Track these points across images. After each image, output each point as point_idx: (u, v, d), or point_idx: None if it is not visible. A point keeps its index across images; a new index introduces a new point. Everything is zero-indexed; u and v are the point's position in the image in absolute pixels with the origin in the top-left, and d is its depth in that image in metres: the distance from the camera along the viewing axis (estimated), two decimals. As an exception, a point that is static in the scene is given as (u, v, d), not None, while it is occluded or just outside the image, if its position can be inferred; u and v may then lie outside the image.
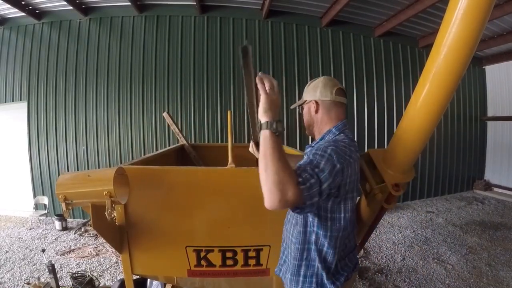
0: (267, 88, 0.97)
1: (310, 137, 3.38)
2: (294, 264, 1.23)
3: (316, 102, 1.29)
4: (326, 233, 1.16)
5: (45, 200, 5.56)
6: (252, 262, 1.68)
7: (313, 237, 1.18)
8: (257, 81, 0.98)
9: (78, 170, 5.68)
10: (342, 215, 1.15)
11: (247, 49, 0.91)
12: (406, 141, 1.37)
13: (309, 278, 1.21)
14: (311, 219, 1.17)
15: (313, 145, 1.30)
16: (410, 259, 3.86)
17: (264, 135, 0.93)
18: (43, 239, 4.65)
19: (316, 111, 1.30)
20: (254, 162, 1.23)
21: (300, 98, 1.41)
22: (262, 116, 0.96)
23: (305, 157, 1.07)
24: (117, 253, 2.07)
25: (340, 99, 1.29)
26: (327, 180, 0.97)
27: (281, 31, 5.97)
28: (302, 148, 3.64)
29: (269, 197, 0.88)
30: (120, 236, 1.62)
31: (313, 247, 1.19)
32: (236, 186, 1.62)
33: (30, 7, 5.42)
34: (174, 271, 1.72)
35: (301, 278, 1.22)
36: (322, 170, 0.97)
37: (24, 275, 3.45)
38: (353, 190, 1.16)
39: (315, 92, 1.30)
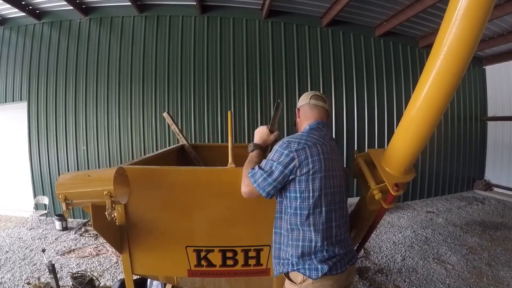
0: (268, 129, 1.58)
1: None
2: (275, 247, 1.43)
3: (298, 109, 1.59)
4: (296, 212, 1.32)
5: (45, 200, 5.56)
6: (252, 262, 1.68)
7: (287, 222, 1.36)
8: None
9: (78, 170, 5.68)
10: (311, 194, 1.30)
11: (279, 104, 1.61)
12: (406, 141, 1.37)
13: (285, 260, 1.35)
14: (285, 203, 1.37)
15: None
16: (410, 259, 3.86)
17: (248, 152, 1.54)
18: (43, 239, 4.65)
19: (299, 116, 1.58)
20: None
21: (299, 96, 1.66)
22: (254, 137, 1.60)
23: None
24: (117, 253, 2.07)
25: (315, 103, 1.53)
26: (272, 165, 1.32)
27: (281, 31, 5.96)
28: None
29: (241, 186, 1.39)
30: (120, 236, 1.62)
31: (285, 232, 1.37)
32: (236, 186, 1.60)
33: (30, 7, 5.42)
34: (175, 271, 1.72)
35: (281, 261, 1.39)
36: (269, 159, 1.35)
37: (24, 275, 3.45)
38: (320, 171, 1.31)
39: (298, 103, 1.62)
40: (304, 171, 1.30)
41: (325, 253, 1.30)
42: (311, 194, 1.30)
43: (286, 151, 1.32)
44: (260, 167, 1.36)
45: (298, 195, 1.31)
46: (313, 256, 1.30)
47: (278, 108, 1.55)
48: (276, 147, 1.38)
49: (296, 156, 1.30)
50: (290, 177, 1.31)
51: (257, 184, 1.33)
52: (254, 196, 1.38)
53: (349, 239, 1.46)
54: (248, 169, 1.39)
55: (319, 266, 1.28)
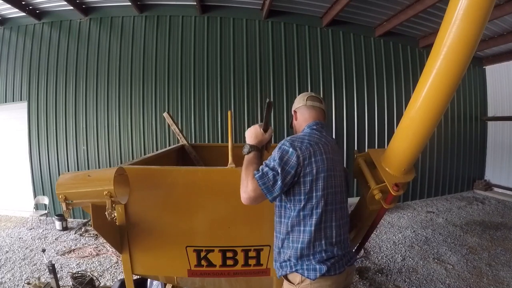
0: (261, 128, 1.44)
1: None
2: (275, 251, 1.42)
3: (295, 111, 1.57)
4: (299, 214, 1.30)
5: (46, 200, 5.56)
6: (252, 262, 1.68)
7: (287, 225, 1.33)
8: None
9: (78, 170, 5.68)
10: (314, 194, 1.29)
11: (270, 103, 1.44)
12: (406, 141, 1.37)
13: (284, 262, 1.35)
14: (288, 206, 1.33)
15: None
16: (410, 259, 3.86)
17: (243, 154, 1.40)
18: (43, 239, 4.65)
19: (296, 118, 1.56)
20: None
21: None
22: (247, 139, 1.45)
23: None
24: (118, 253, 2.07)
25: (311, 104, 1.52)
26: (280, 165, 1.24)
27: (281, 31, 5.96)
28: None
29: (240, 193, 1.26)
30: (121, 236, 1.62)
31: (285, 236, 1.34)
32: (236, 186, 1.60)
33: (30, 7, 5.42)
34: (175, 271, 1.72)
35: (279, 264, 1.39)
36: (274, 159, 1.27)
37: (25, 275, 3.45)
38: (323, 171, 1.29)
39: (294, 105, 1.60)
40: (308, 170, 1.26)
41: (323, 254, 1.30)
42: (314, 194, 1.28)
43: (290, 150, 1.26)
44: (269, 168, 1.25)
45: (303, 197, 1.28)
46: (311, 257, 1.29)
47: (270, 106, 1.47)
48: (278, 147, 1.31)
49: (301, 155, 1.26)
50: (295, 179, 1.26)
51: (266, 187, 1.23)
52: (259, 202, 1.26)
53: (348, 240, 1.45)
54: (248, 172, 1.27)
55: (318, 267, 1.27)
